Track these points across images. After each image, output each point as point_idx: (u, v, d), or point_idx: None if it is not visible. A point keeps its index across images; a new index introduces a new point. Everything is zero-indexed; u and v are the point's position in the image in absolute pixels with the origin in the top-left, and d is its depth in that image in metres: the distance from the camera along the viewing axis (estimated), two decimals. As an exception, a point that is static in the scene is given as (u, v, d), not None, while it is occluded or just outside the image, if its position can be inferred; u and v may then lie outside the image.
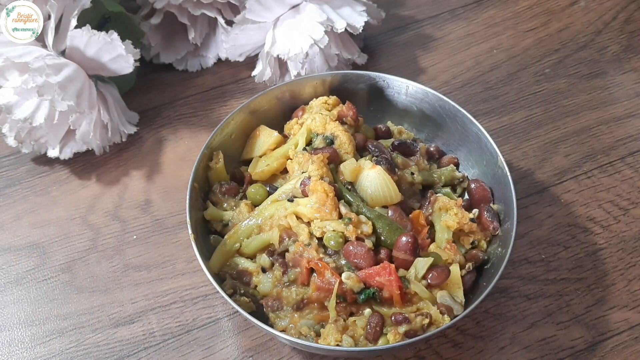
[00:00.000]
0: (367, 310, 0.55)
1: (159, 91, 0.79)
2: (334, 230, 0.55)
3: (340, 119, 0.64)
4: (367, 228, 0.55)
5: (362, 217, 0.56)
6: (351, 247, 0.54)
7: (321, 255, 0.55)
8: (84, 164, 0.72)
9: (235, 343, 0.60)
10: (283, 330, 0.55)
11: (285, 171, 0.62)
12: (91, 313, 0.62)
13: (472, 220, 0.58)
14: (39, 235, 0.67)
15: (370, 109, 0.70)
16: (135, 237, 0.67)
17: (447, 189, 0.63)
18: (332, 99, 0.66)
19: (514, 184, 0.59)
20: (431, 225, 0.59)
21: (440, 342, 0.60)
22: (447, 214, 0.58)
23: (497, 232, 0.59)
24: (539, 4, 0.88)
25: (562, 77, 0.80)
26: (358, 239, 0.55)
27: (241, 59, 0.79)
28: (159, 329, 0.61)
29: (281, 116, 0.68)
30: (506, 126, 0.75)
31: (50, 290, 0.63)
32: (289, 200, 0.57)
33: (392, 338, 0.52)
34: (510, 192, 0.58)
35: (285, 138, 0.65)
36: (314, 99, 0.67)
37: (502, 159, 0.60)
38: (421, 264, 0.55)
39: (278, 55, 0.72)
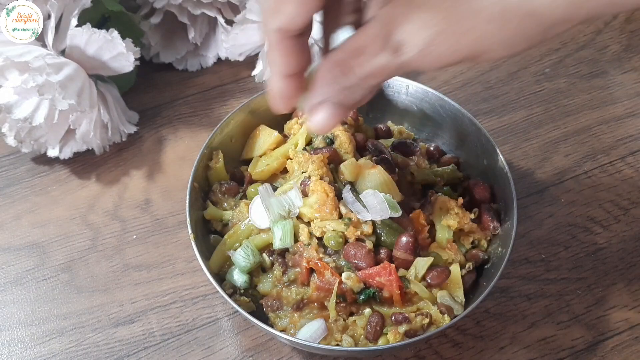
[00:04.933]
0: (367, 310, 0.55)
1: (158, 91, 0.79)
2: (334, 230, 0.55)
3: (340, 119, 0.64)
4: (367, 228, 0.55)
5: (362, 217, 0.56)
6: (351, 248, 0.54)
7: (321, 255, 0.55)
8: (83, 163, 0.72)
9: (235, 343, 0.60)
10: (283, 330, 0.55)
11: (285, 171, 0.62)
12: (91, 313, 0.62)
13: (472, 220, 0.58)
14: (38, 235, 0.67)
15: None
16: (135, 236, 0.67)
17: (448, 189, 0.63)
18: (332, 98, 0.66)
19: (514, 184, 0.59)
20: (431, 224, 0.59)
21: (441, 342, 0.60)
22: (448, 214, 0.58)
23: (497, 232, 0.59)
24: (539, 3, 0.88)
25: (562, 77, 0.80)
26: (358, 239, 0.55)
27: (241, 59, 0.79)
28: (158, 329, 0.61)
29: (281, 116, 0.67)
30: (506, 126, 0.75)
31: (50, 290, 0.63)
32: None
33: (392, 338, 0.52)
34: (511, 191, 0.58)
35: (285, 138, 0.65)
36: (314, 98, 0.66)
37: (503, 159, 0.60)
38: (421, 264, 0.55)
39: (278, 55, 0.72)
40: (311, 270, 0.55)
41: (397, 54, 0.37)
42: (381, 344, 0.53)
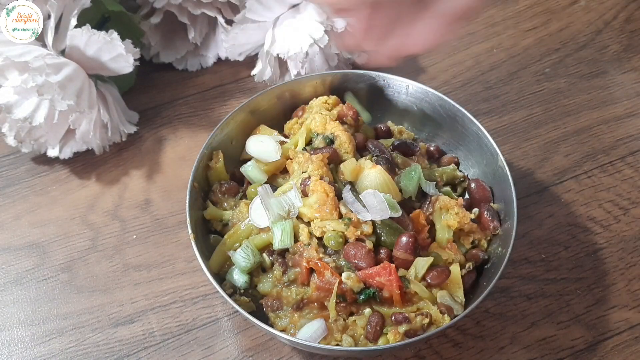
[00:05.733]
0: (367, 310, 0.55)
1: (158, 91, 0.79)
2: (334, 230, 0.55)
3: (340, 119, 0.64)
4: (367, 228, 0.55)
5: (362, 217, 0.56)
6: (351, 248, 0.54)
7: (321, 255, 0.55)
8: (83, 163, 0.72)
9: (235, 343, 0.60)
10: (283, 330, 0.55)
11: (285, 171, 0.62)
12: (91, 313, 0.62)
13: (472, 220, 0.58)
14: (38, 235, 0.67)
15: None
16: (135, 236, 0.67)
17: (448, 189, 0.63)
18: (332, 98, 0.66)
19: (514, 184, 0.59)
20: (432, 224, 0.59)
21: (441, 341, 0.60)
22: (448, 214, 0.58)
23: (497, 232, 0.59)
24: (539, 3, 0.88)
25: (562, 77, 0.80)
26: (358, 239, 0.55)
27: (241, 59, 0.79)
28: (158, 329, 0.61)
29: (281, 116, 0.68)
30: (506, 126, 0.75)
31: (50, 290, 0.63)
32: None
33: (392, 338, 0.52)
34: (511, 191, 0.58)
35: (285, 138, 0.65)
36: (314, 98, 0.67)
37: (503, 159, 0.60)
38: (421, 264, 0.55)
39: (278, 55, 0.72)
40: (311, 270, 0.55)
41: None
42: (381, 344, 0.53)
